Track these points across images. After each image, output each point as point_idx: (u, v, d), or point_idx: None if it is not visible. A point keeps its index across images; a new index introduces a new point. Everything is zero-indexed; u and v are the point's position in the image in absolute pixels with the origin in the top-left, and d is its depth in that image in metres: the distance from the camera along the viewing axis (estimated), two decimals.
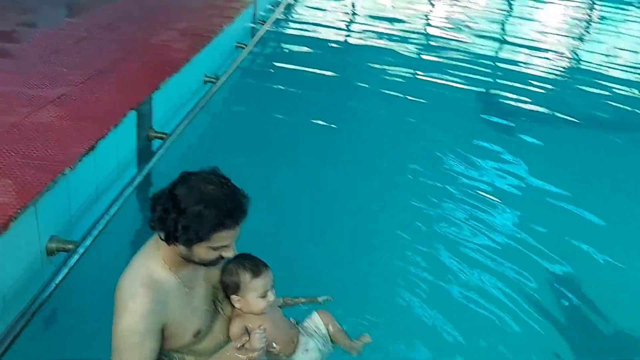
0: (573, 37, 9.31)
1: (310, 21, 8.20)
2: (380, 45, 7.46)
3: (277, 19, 7.06)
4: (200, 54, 4.35)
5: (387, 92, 5.75)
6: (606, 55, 8.06)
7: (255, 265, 1.92)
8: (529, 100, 5.95)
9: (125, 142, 3.18)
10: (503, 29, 9.22)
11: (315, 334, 2.10)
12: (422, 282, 3.01)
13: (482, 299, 2.96)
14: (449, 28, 8.78)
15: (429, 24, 9.24)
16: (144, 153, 3.36)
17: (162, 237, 1.67)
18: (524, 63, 7.30)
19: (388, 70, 6.49)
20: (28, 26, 4.46)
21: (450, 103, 5.68)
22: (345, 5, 9.73)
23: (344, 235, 3.37)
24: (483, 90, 6.27)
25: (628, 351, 2.90)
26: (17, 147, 2.54)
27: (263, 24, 6.14)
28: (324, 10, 9.07)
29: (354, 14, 9.41)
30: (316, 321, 2.13)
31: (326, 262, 3.07)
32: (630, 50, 8.47)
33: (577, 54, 8.33)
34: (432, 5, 10.48)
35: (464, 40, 8.00)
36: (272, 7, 7.43)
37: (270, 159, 4.12)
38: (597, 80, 6.83)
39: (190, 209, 1.60)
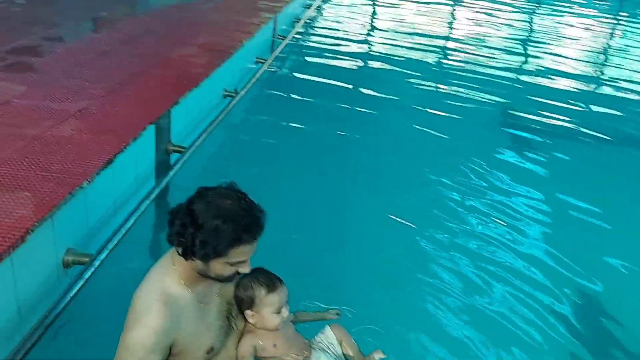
0: (598, 51, 9.19)
1: (330, 34, 8.24)
2: (400, 58, 7.44)
3: (297, 34, 7.11)
4: (220, 68, 4.37)
5: (407, 105, 5.73)
6: (632, 71, 7.93)
7: (271, 280, 1.91)
8: (553, 115, 5.85)
9: (143, 156, 3.19)
10: (527, 42, 9.15)
11: (328, 350, 2.07)
12: (444, 295, 2.97)
13: (506, 314, 2.90)
14: (471, 40, 8.74)
15: (450, 36, 9.22)
16: (162, 166, 3.37)
17: (180, 252, 1.68)
18: (548, 76, 7.21)
19: (409, 83, 6.47)
20: (53, 40, 4.55)
21: (473, 116, 5.63)
22: (365, 19, 9.78)
23: (364, 247, 3.34)
24: (506, 103, 6.20)
25: None
26: (38, 160, 2.57)
27: (283, 39, 6.18)
28: (344, 24, 9.12)
29: (373, 27, 9.44)
30: (329, 336, 2.10)
31: (344, 273, 3.05)
32: None
33: (602, 68, 8.22)
34: (454, 17, 10.46)
35: (486, 52, 7.97)
36: (292, 22, 7.48)
37: (288, 171, 4.12)
38: (623, 95, 6.72)
39: (208, 223, 1.60)
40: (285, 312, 1.92)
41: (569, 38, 9.72)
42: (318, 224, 3.51)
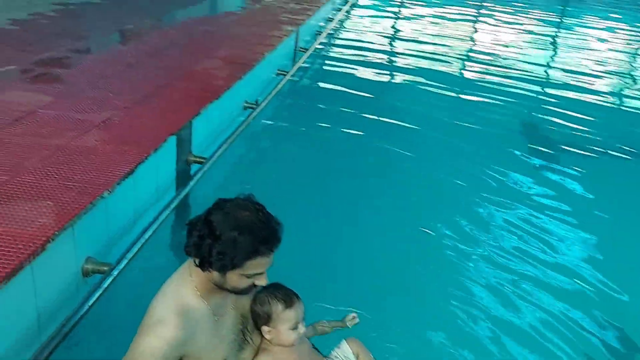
0: (624, 65, 9.04)
1: (352, 45, 8.27)
2: (421, 69, 7.43)
3: (318, 46, 7.15)
4: (242, 80, 4.41)
5: (428, 115, 5.73)
6: None
7: (288, 296, 1.89)
8: (579, 129, 5.77)
9: (164, 166, 3.22)
10: (552, 55, 9.06)
11: None
12: (468, 306, 2.96)
13: (527, 329, 2.87)
14: (495, 52, 8.68)
15: (472, 49, 9.17)
16: (183, 177, 3.39)
17: (197, 263, 1.68)
18: (573, 90, 7.12)
19: (431, 94, 6.46)
20: (80, 52, 4.66)
21: (495, 126, 5.60)
22: (387, 31, 9.79)
23: (387, 259, 3.33)
24: (530, 117, 6.14)
25: None
26: (61, 170, 2.61)
27: (304, 51, 6.22)
28: (365, 36, 9.15)
29: (395, 38, 9.45)
30: (345, 350, 2.06)
31: (364, 280, 3.07)
32: None
33: (627, 83, 8.07)
34: (475, 28, 10.41)
35: (510, 64, 7.90)
36: (314, 34, 7.52)
37: (308, 182, 4.13)
38: None
39: (226, 235, 1.61)
40: (301, 328, 1.90)
41: (596, 51, 9.59)
42: (342, 234, 3.53)
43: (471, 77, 7.53)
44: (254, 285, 1.73)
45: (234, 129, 3.88)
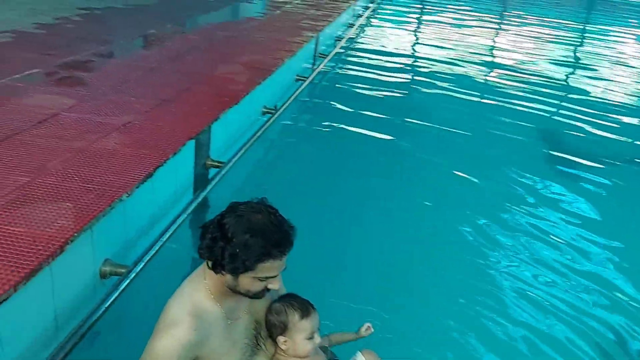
0: None
1: (372, 50, 8.27)
2: (442, 75, 7.39)
3: (338, 52, 7.16)
4: (261, 86, 4.44)
5: (449, 121, 5.68)
6: None
7: (304, 306, 1.89)
8: (601, 136, 5.67)
9: (183, 170, 3.25)
10: (574, 62, 8.92)
11: None
12: (483, 321, 2.92)
13: (547, 343, 2.81)
14: (516, 58, 8.59)
15: (493, 54, 9.10)
16: (200, 181, 3.42)
17: (210, 265, 1.70)
18: (596, 98, 7.00)
19: (451, 99, 6.42)
20: (103, 56, 4.74)
21: (517, 134, 5.54)
22: (407, 37, 9.77)
23: (403, 268, 3.31)
24: (551, 123, 6.06)
25: None
26: (81, 172, 2.65)
27: (324, 57, 6.23)
28: (385, 42, 9.14)
29: (415, 43, 9.41)
30: None
31: (382, 294, 3.04)
32: None
33: None
34: (497, 35, 10.32)
35: (532, 70, 7.80)
36: (334, 40, 7.54)
37: (325, 187, 4.14)
38: None
39: (238, 237, 1.62)
40: (317, 338, 1.90)
41: (619, 57, 9.42)
42: (359, 244, 3.52)
43: (491, 83, 7.47)
44: (267, 289, 1.74)
45: (252, 133, 3.90)
